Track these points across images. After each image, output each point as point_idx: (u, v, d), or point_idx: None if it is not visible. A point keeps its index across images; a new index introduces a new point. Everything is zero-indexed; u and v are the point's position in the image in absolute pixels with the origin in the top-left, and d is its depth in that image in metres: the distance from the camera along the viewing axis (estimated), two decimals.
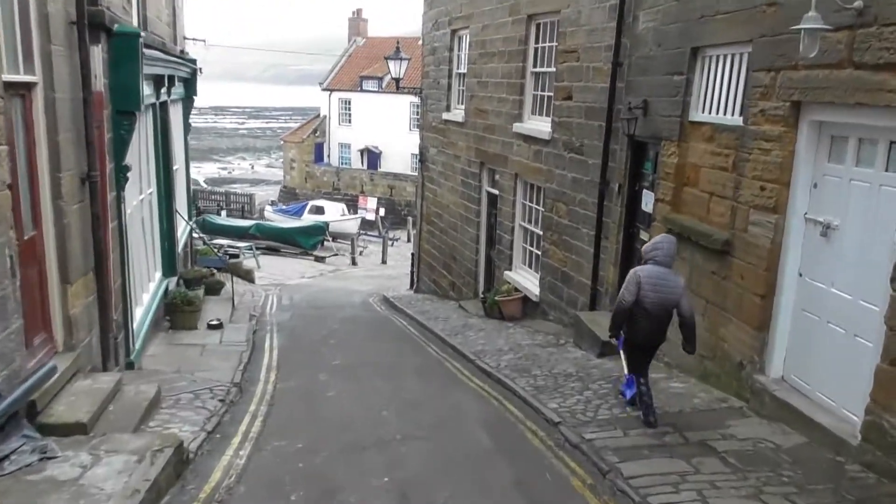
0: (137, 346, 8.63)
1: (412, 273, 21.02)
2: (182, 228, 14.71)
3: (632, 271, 6.44)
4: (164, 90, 11.35)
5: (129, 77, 7.65)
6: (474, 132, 15.04)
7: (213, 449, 5.97)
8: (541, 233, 12.41)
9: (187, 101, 15.62)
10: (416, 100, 46.27)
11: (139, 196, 10.13)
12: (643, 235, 9.44)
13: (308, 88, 53.83)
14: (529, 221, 13.04)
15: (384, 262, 31.02)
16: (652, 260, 6.28)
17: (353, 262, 29.87)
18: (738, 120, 7.06)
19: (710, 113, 7.71)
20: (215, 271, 18.28)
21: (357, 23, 52.13)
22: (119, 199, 7.89)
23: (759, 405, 6.38)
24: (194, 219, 18.47)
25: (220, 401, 7.24)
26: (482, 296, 14.44)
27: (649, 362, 6.58)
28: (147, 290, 10.27)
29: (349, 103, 48.92)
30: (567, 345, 10.05)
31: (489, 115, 14.26)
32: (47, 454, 4.78)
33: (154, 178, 11.22)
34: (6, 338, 5.15)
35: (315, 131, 49.53)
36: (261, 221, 33.15)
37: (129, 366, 8.21)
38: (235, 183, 63.11)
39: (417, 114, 46.55)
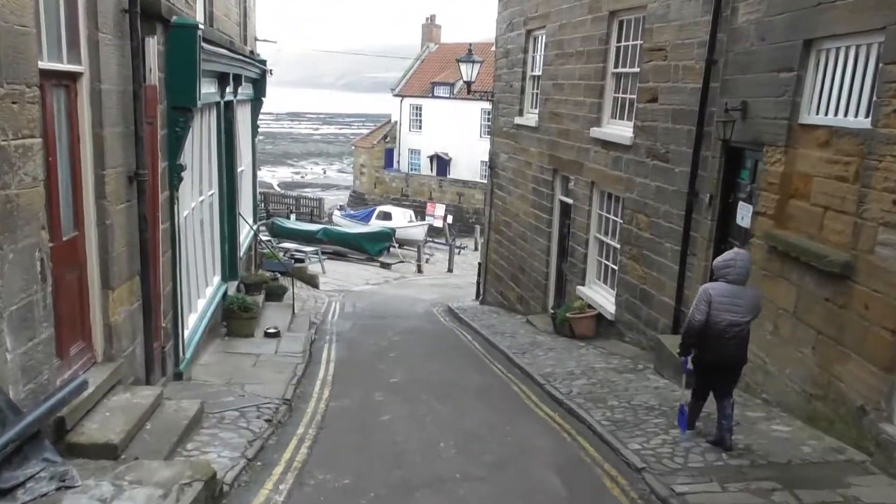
0: (188, 355, 8.22)
1: (478, 283, 20.31)
2: (246, 232, 14.46)
3: (702, 288, 6.16)
4: (228, 89, 11.03)
5: (185, 72, 7.24)
6: (548, 137, 14.23)
7: (252, 480, 5.39)
8: (618, 246, 11.49)
9: (256, 102, 15.41)
10: (487, 106, 45.68)
11: (199, 197, 9.79)
12: None
13: (382, 96, 54.10)
14: (606, 233, 12.13)
15: (450, 270, 30.41)
16: (723, 278, 5.98)
17: (419, 270, 29.39)
18: (863, 122, 6.05)
19: (826, 115, 6.70)
20: (279, 275, 18.08)
21: (430, 29, 51.95)
22: (172, 200, 7.48)
23: (887, 461, 5.36)
24: (260, 222, 18.30)
25: (267, 420, 6.69)
26: (552, 311, 13.59)
27: (731, 386, 6.14)
28: (203, 295, 9.92)
29: (420, 109, 48.70)
30: (646, 371, 9.12)
31: (564, 120, 13.43)
32: (66, 482, 4.29)
33: (216, 180, 10.89)
34: (32, 349, 4.71)
35: (385, 137, 49.53)
36: (328, 226, 33.10)
37: (178, 376, 7.79)
38: (308, 187, 64.09)
39: (488, 120, 45.99)
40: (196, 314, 9.28)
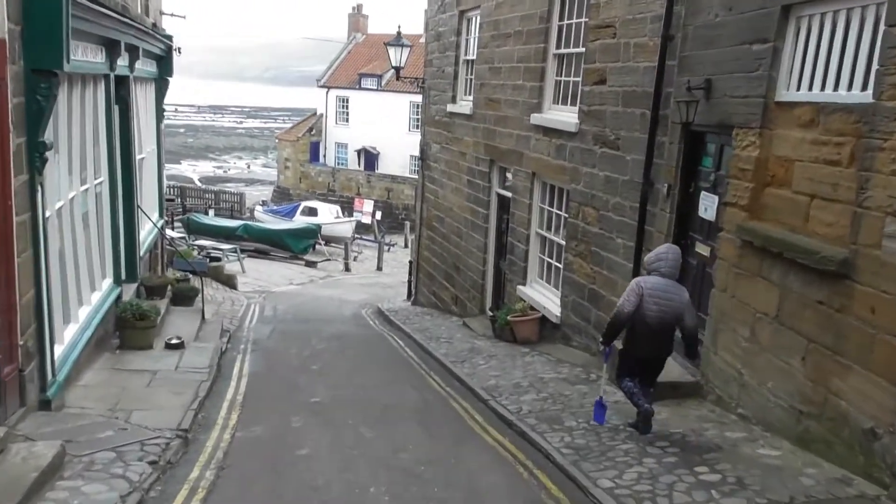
0: (60, 376, 6.74)
1: (410, 283, 19.18)
2: (149, 228, 12.84)
3: (634, 280, 6.40)
4: (121, 61, 9.50)
5: (49, 24, 5.80)
6: (484, 126, 13.22)
7: None
8: (563, 242, 10.57)
9: (161, 82, 13.78)
10: (416, 99, 44.49)
11: (80, 186, 8.27)
12: (700, 248, 7.61)
13: (308, 90, 52.27)
14: (549, 229, 11.20)
15: (380, 268, 29.15)
16: (656, 271, 6.17)
17: (347, 269, 27.99)
18: (860, 96, 5.23)
19: (809, 90, 5.88)
20: (190, 276, 16.44)
21: (357, 19, 50.40)
22: (34, 186, 6.01)
23: None
24: (177, 217, 16.59)
25: (152, 463, 5.35)
26: (491, 313, 12.58)
27: (654, 377, 6.47)
28: (88, 301, 8.39)
29: (347, 101, 47.14)
30: (601, 381, 8.18)
31: (502, 106, 12.44)
32: None
33: (106, 167, 9.34)
34: None
35: (311, 130, 47.71)
36: (249, 222, 31.21)
37: (44, 405, 6.32)
38: (230, 182, 61.85)
39: (418, 113, 44.88)
40: (77, 325, 7.77)
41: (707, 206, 7.38)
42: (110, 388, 7.52)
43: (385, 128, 44.40)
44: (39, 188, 6.14)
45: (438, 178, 15.89)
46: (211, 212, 35.09)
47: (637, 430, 6.20)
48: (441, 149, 15.69)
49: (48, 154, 6.29)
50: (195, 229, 28.65)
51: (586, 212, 9.75)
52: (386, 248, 31.55)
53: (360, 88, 46.53)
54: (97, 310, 8.52)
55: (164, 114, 14.64)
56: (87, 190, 8.59)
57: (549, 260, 11.23)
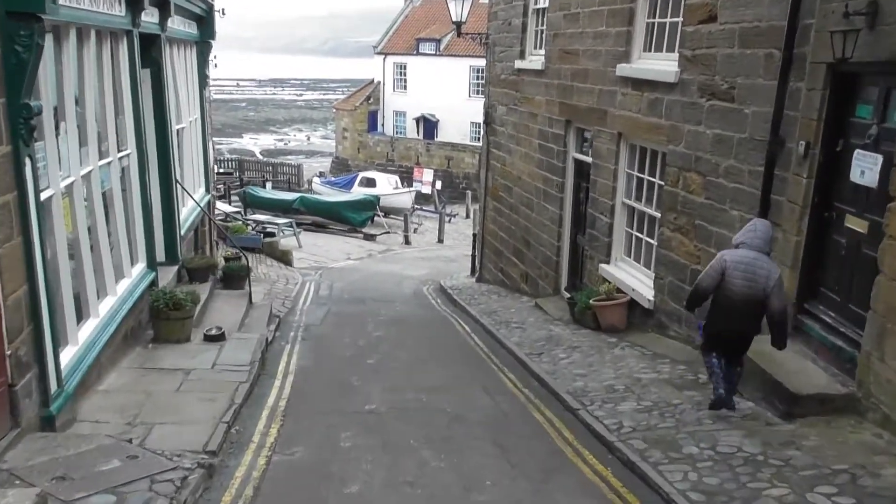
0: (70, 385, 5.69)
1: (473, 258, 17.82)
2: (191, 205, 11.84)
3: (718, 254, 6.01)
4: (148, 17, 8.35)
5: None
6: (558, 81, 11.62)
7: None
8: (658, 215, 8.99)
9: (203, 45, 12.65)
10: (477, 63, 42.67)
11: (99, 160, 7.16)
12: (853, 223, 5.97)
13: (367, 60, 51.06)
14: (639, 199, 9.61)
15: (441, 241, 27.88)
16: (744, 244, 5.79)
17: (407, 241, 26.81)
18: None
19: None
20: (242, 254, 15.53)
21: None
22: (19, 158, 4.87)
23: None
24: (215, 192, 15.66)
25: None
26: (568, 295, 11.12)
27: (739, 356, 6.01)
28: (112, 292, 7.34)
29: (405, 68, 45.63)
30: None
31: (580, 58, 10.81)
32: None
33: (132, 138, 8.24)
34: None
35: (369, 98, 46.48)
36: (306, 195, 30.29)
37: (47, 423, 5.27)
38: (291, 154, 61.93)
39: (478, 78, 43.06)
40: (96, 321, 6.72)
41: (865, 168, 5.71)
42: (134, 393, 6.46)
43: (444, 94, 42.80)
44: (28, 161, 4.99)
45: (505, 143, 14.38)
46: (268, 185, 34.40)
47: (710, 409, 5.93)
48: (508, 111, 14.15)
49: (38, 120, 5.14)
50: (252, 203, 27.96)
51: (689, 178, 8.14)
52: (447, 219, 30.24)
53: (418, 54, 44.93)
54: (124, 300, 7.48)
55: (209, 80, 13.55)
56: (108, 164, 7.50)
57: (639, 235, 9.66)
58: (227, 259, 14.63)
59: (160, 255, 9.89)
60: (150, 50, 9.23)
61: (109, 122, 7.54)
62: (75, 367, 5.91)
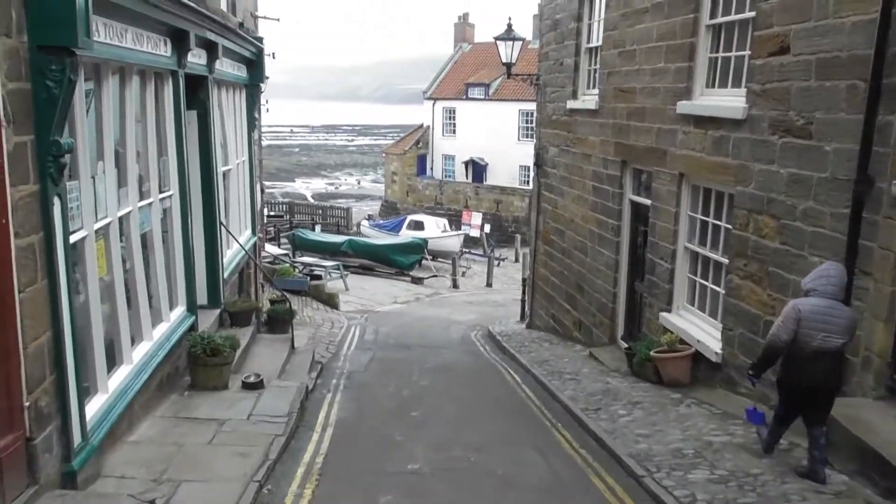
0: (96, 438, 5.35)
1: (523, 303, 17.26)
2: (235, 248, 11.67)
3: (791, 304, 5.69)
4: (194, 59, 8.27)
5: None
6: (613, 121, 11.16)
7: None
8: (724, 260, 8.34)
9: (252, 88, 12.69)
10: (526, 107, 42.67)
11: (139, 201, 6.97)
12: None
13: (416, 106, 51.81)
14: (703, 243, 8.99)
15: (489, 284, 27.36)
16: (815, 291, 5.50)
17: (454, 285, 26.38)
18: None
19: None
20: (286, 297, 15.32)
21: (463, 28, 49.16)
22: (47, 199, 4.63)
23: None
24: (261, 234, 15.57)
25: None
26: (626, 346, 10.45)
27: (825, 414, 5.49)
28: (148, 336, 7.07)
29: (454, 112, 45.89)
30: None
31: (637, 96, 10.35)
32: None
33: (176, 179, 8.08)
34: None
35: (418, 143, 46.81)
36: (354, 237, 30.26)
37: (68, 479, 4.91)
38: (341, 198, 62.89)
39: (527, 122, 42.96)
40: (129, 367, 6.42)
41: None
42: (164, 445, 6.09)
43: (493, 138, 42.78)
44: (57, 201, 4.75)
45: (557, 185, 13.93)
46: (318, 227, 34.59)
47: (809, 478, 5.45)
48: (560, 152, 13.73)
49: (73, 159, 4.92)
50: (301, 245, 28.03)
51: (761, 221, 7.50)
52: (495, 262, 29.77)
53: (467, 98, 45.19)
54: (160, 346, 7.19)
55: (258, 122, 13.56)
56: (149, 205, 7.31)
57: (704, 282, 9.00)
58: (272, 302, 14.42)
59: (202, 298, 9.68)
60: (196, 91, 9.17)
61: (152, 163, 7.38)
62: (103, 418, 5.59)
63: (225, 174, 11.06)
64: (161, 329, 7.43)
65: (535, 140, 15.42)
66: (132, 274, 6.81)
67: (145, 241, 7.28)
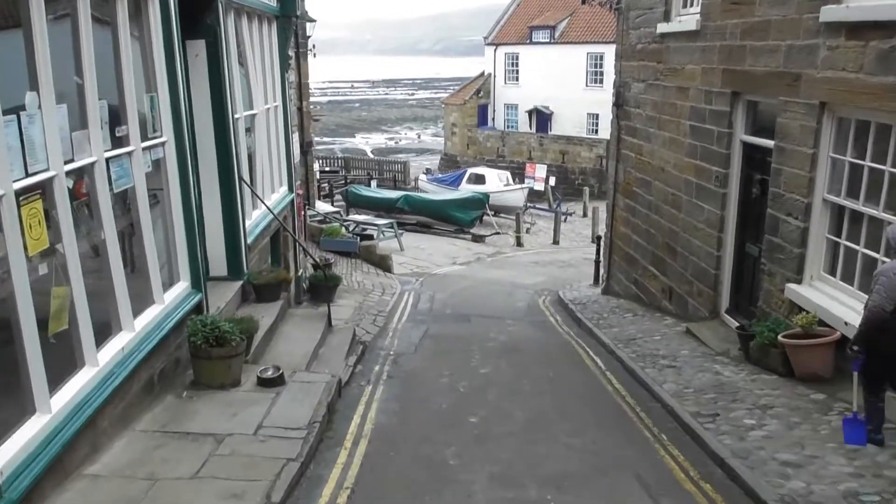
0: (15, 490, 3.76)
1: (597, 264, 15.23)
2: (273, 203, 10.05)
3: (886, 269, 5.10)
4: None
5: None
6: (721, 43, 8.89)
7: None
8: (889, 217, 6.16)
9: (284, 21, 10.86)
10: (595, 49, 39.60)
11: (110, 150, 5.31)
12: None
13: (477, 59, 49.35)
14: (853, 195, 6.78)
15: (556, 242, 25.28)
16: None
17: (518, 243, 24.38)
18: None
19: None
20: (329, 260, 13.74)
21: None
22: None
23: None
24: (299, 191, 13.96)
25: None
26: (737, 324, 8.39)
27: None
28: (129, 328, 5.47)
29: (517, 58, 43.15)
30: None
31: (756, 7, 8.05)
32: None
33: (169, 122, 6.38)
34: None
35: (479, 92, 44.34)
36: (410, 193, 28.44)
37: None
38: (402, 152, 61.43)
39: (597, 66, 39.91)
40: (93, 372, 4.82)
41: None
42: (133, 480, 4.51)
43: (559, 85, 40.00)
44: None
45: (642, 127, 11.72)
46: (373, 183, 32.94)
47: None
48: (646, 88, 11.48)
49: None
50: (354, 202, 26.48)
51: None
52: (562, 218, 27.56)
53: (531, 43, 42.33)
54: (147, 337, 5.61)
55: (291, 62, 11.78)
56: (127, 154, 5.64)
57: (852, 245, 6.82)
58: (315, 267, 12.89)
59: (219, 268, 8.16)
60: (203, 14, 7.42)
61: (130, 101, 5.68)
62: (36, 455, 4.01)
63: (250, 121, 9.37)
64: (149, 315, 5.83)
65: (614, 76, 13.15)
66: (104, 247, 5.19)
67: (124, 201, 5.65)
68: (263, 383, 6.32)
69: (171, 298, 6.27)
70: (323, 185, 29.46)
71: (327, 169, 35.11)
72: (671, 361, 8.07)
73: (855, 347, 5.25)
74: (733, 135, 8.90)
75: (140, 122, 5.88)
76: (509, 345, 9.68)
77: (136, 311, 5.62)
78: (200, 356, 6.10)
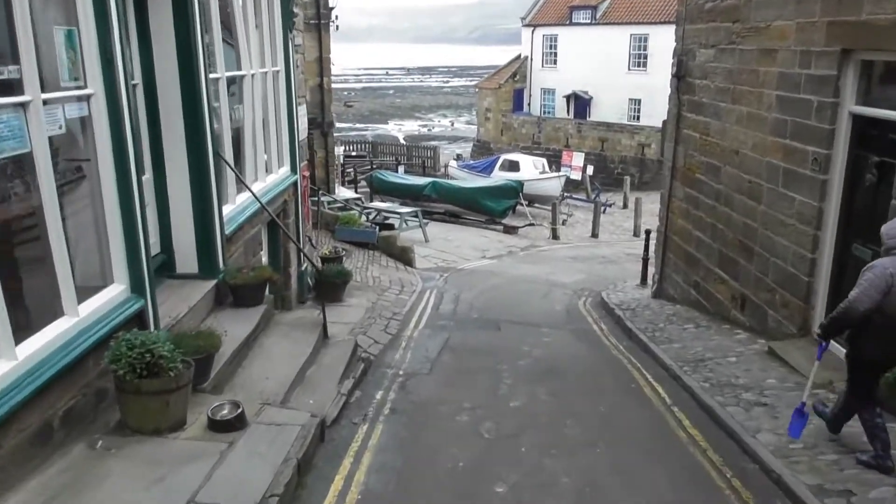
0: None
1: (646, 261, 13.35)
2: (269, 186, 8.42)
3: (877, 264, 4.70)
4: None
5: None
6: None
7: None
8: None
9: None
10: (639, 30, 37.33)
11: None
12: None
13: (514, 47, 47.41)
14: None
15: (595, 235, 23.30)
16: None
17: (554, 236, 22.46)
18: None
19: None
20: (342, 251, 12.12)
21: None
22: None
23: None
24: (304, 173, 12.30)
25: None
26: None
27: None
28: (10, 355, 3.81)
29: (555, 40, 40.96)
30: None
31: None
32: None
33: (97, 70, 4.70)
34: None
35: (514, 75, 42.26)
36: (439, 179, 26.59)
37: None
38: (434, 139, 59.85)
39: (640, 48, 37.58)
40: None
41: None
42: None
43: (599, 68, 37.77)
44: None
45: (710, 102, 9.78)
46: (401, 168, 31.21)
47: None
48: (717, 54, 9.53)
49: None
50: (379, 188, 24.79)
51: None
52: (602, 209, 25.53)
53: (571, 24, 40.08)
54: (38, 368, 3.96)
55: (295, 21, 10.04)
56: (19, 106, 3.98)
57: None
58: (324, 260, 11.27)
59: (188, 265, 6.58)
60: None
61: (22, 29, 4.01)
62: None
63: (234, 83, 7.70)
64: (48, 335, 4.17)
65: (675, 43, 11.19)
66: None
67: (9, 175, 4.00)
68: (216, 426, 4.65)
69: (92, 308, 4.62)
70: (348, 171, 27.89)
71: (353, 153, 33.52)
72: (758, 396, 6.24)
73: (819, 332, 5.03)
74: (840, 105, 6.95)
75: (48, 64, 4.24)
76: (547, 363, 7.89)
77: (25, 329, 3.97)
78: (126, 390, 4.44)
